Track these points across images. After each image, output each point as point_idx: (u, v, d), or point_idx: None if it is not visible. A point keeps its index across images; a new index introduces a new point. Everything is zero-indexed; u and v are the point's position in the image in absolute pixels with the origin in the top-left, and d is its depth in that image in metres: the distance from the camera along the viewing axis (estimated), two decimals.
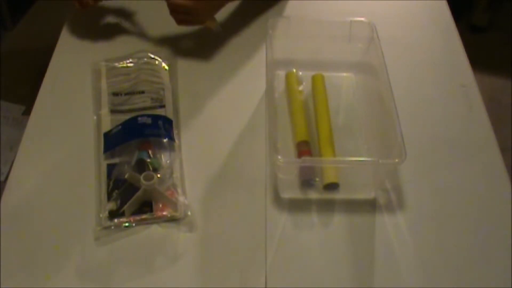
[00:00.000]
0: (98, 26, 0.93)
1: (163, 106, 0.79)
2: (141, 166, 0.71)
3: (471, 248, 0.68)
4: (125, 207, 0.67)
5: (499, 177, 0.75)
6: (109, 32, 0.92)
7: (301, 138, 0.76)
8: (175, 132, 0.77)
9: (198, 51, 0.89)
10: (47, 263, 0.65)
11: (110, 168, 0.72)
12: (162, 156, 0.73)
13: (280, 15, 0.95)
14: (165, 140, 0.74)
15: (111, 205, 0.68)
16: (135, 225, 0.67)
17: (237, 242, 0.67)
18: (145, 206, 0.68)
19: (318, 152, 0.75)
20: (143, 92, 0.80)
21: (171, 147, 0.75)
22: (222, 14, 0.93)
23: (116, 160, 0.73)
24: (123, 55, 0.85)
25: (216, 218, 0.69)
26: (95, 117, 0.78)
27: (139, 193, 0.68)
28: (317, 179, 0.73)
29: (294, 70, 0.84)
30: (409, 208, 0.71)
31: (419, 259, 0.67)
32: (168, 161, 0.73)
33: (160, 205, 0.69)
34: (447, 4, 1.01)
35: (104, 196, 0.69)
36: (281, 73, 0.85)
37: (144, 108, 0.78)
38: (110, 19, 0.94)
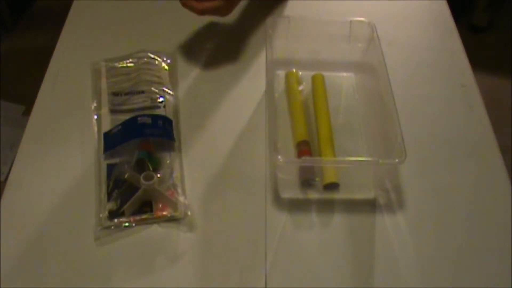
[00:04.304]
0: (98, 26, 0.93)
1: (163, 106, 0.79)
2: (141, 166, 0.71)
3: (471, 248, 0.68)
4: (125, 207, 0.67)
5: (499, 177, 0.75)
6: (109, 32, 0.92)
7: (301, 138, 0.76)
8: (175, 132, 0.77)
9: (198, 51, 0.89)
10: (47, 263, 0.65)
11: (110, 168, 0.72)
12: (162, 156, 0.73)
13: (280, 15, 0.95)
14: (165, 140, 0.74)
15: (111, 205, 0.68)
16: (135, 225, 0.67)
17: (237, 242, 0.67)
18: (145, 206, 0.68)
19: (318, 152, 0.75)
20: (143, 92, 0.80)
21: (171, 147, 0.75)
22: None
23: (116, 160, 0.73)
24: (123, 55, 0.85)
25: (216, 218, 0.69)
26: (95, 117, 0.78)
27: (139, 193, 0.68)
28: (317, 179, 0.73)
29: (294, 70, 0.84)
30: (409, 208, 0.71)
31: (419, 259, 0.67)
32: (168, 161, 0.73)
33: (160, 205, 0.69)
34: (447, 4, 1.01)
35: (104, 196, 0.69)
36: (281, 73, 0.85)
37: (144, 108, 0.78)
38: (110, 19, 0.94)
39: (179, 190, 0.70)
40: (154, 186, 0.68)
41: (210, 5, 0.80)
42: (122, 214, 0.67)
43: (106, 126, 0.77)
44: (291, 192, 0.72)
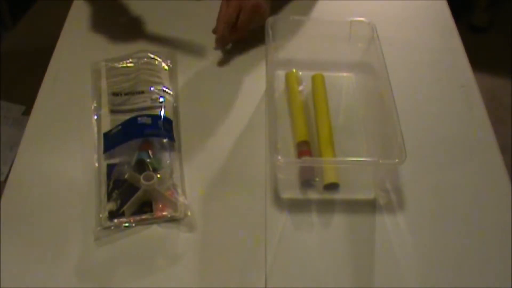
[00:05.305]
0: (98, 26, 0.93)
1: (163, 106, 0.79)
2: (141, 166, 0.71)
3: (471, 248, 0.68)
4: (125, 207, 0.67)
5: (499, 177, 0.75)
6: (109, 32, 0.92)
7: (301, 138, 0.76)
8: (175, 132, 0.77)
9: (198, 51, 0.89)
10: (47, 263, 0.65)
11: (110, 168, 0.72)
12: (162, 156, 0.73)
13: (280, 15, 0.95)
14: (165, 140, 0.74)
15: (111, 205, 0.68)
16: (135, 225, 0.67)
17: (237, 242, 0.67)
18: (145, 206, 0.68)
19: (318, 152, 0.75)
20: (143, 92, 0.80)
21: (171, 147, 0.75)
22: None
23: (116, 160, 0.73)
24: (123, 55, 0.85)
25: (216, 218, 0.69)
26: (95, 117, 0.78)
27: (139, 193, 0.68)
28: (317, 179, 0.73)
29: (294, 70, 0.84)
30: (409, 208, 0.71)
31: (419, 259, 0.67)
32: (168, 161, 0.73)
33: (160, 205, 0.69)
34: (447, 4, 1.01)
35: (104, 196, 0.69)
36: (281, 73, 0.85)
37: (144, 108, 0.78)
38: (111, 18, 0.94)
39: (179, 190, 0.70)
40: (154, 186, 0.68)
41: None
42: (122, 215, 0.67)
43: (106, 126, 0.76)
44: (291, 192, 0.72)
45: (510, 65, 1.96)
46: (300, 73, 0.84)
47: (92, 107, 0.80)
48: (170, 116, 0.78)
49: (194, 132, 0.79)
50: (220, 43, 0.87)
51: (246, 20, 0.84)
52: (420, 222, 0.70)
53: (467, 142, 0.79)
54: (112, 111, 0.78)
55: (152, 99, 0.79)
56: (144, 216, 0.68)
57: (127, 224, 0.67)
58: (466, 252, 0.68)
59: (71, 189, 0.71)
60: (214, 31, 0.86)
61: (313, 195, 0.72)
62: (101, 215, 0.67)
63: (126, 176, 0.70)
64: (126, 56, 0.85)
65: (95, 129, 0.77)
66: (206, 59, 0.88)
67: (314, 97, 0.81)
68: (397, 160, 0.68)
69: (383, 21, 0.85)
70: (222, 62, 0.88)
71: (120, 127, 0.75)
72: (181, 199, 0.69)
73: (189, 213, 0.69)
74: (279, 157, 0.69)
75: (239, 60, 0.88)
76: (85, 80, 0.83)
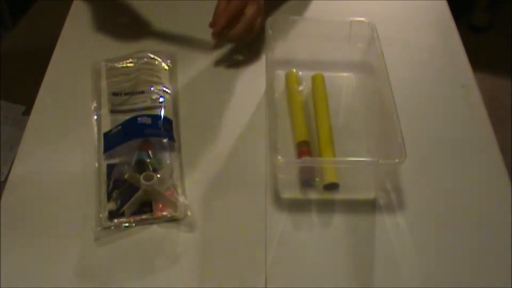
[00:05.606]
0: (98, 26, 0.93)
1: (163, 107, 0.79)
2: (141, 166, 0.71)
3: (471, 248, 0.68)
4: (125, 207, 0.67)
5: (499, 177, 0.75)
6: (109, 32, 0.92)
7: (301, 138, 0.76)
8: (175, 132, 0.77)
9: (198, 51, 0.89)
10: (47, 263, 0.65)
11: (110, 168, 0.72)
12: (162, 156, 0.73)
13: (280, 15, 0.95)
14: (165, 140, 0.74)
15: (111, 205, 0.68)
16: (135, 225, 0.67)
17: (237, 242, 0.67)
18: (145, 206, 0.68)
19: (318, 152, 0.75)
20: (143, 92, 0.80)
21: (171, 147, 0.75)
22: None
23: (116, 160, 0.73)
24: (123, 55, 0.85)
25: (216, 218, 0.69)
26: (95, 117, 0.78)
27: (139, 193, 0.68)
28: (317, 179, 0.73)
29: (294, 70, 0.84)
30: (409, 208, 0.71)
31: (419, 259, 0.67)
32: (168, 161, 0.73)
33: (160, 205, 0.69)
34: (447, 4, 1.01)
35: (104, 196, 0.69)
36: (281, 73, 0.85)
37: (144, 108, 0.78)
38: (111, 18, 0.94)
39: (179, 190, 0.70)
40: (154, 186, 0.68)
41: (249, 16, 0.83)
42: (122, 215, 0.67)
43: (106, 126, 0.76)
44: (291, 192, 0.72)
45: (510, 65, 1.96)
46: (300, 73, 0.84)
47: (92, 107, 0.80)
48: (170, 116, 0.78)
49: (194, 132, 0.79)
50: (217, 37, 0.87)
51: (254, 13, 0.84)
52: (420, 222, 0.70)
53: (467, 142, 0.79)
54: (112, 111, 0.78)
55: (152, 99, 0.79)
56: (144, 216, 0.68)
57: (127, 224, 0.67)
58: (466, 252, 0.68)
59: (71, 189, 0.71)
60: (211, 25, 0.85)
61: (313, 195, 0.72)
62: (101, 215, 0.67)
63: (126, 176, 0.70)
64: (126, 56, 0.85)
65: (95, 129, 0.77)
66: (206, 59, 0.88)
67: (314, 97, 0.81)
68: (397, 160, 0.68)
69: (383, 21, 0.85)
70: (222, 62, 0.88)
71: (120, 127, 0.75)
72: (181, 199, 0.69)
73: (189, 213, 0.69)
74: (279, 157, 0.69)
75: (239, 60, 0.88)
76: (85, 80, 0.83)
